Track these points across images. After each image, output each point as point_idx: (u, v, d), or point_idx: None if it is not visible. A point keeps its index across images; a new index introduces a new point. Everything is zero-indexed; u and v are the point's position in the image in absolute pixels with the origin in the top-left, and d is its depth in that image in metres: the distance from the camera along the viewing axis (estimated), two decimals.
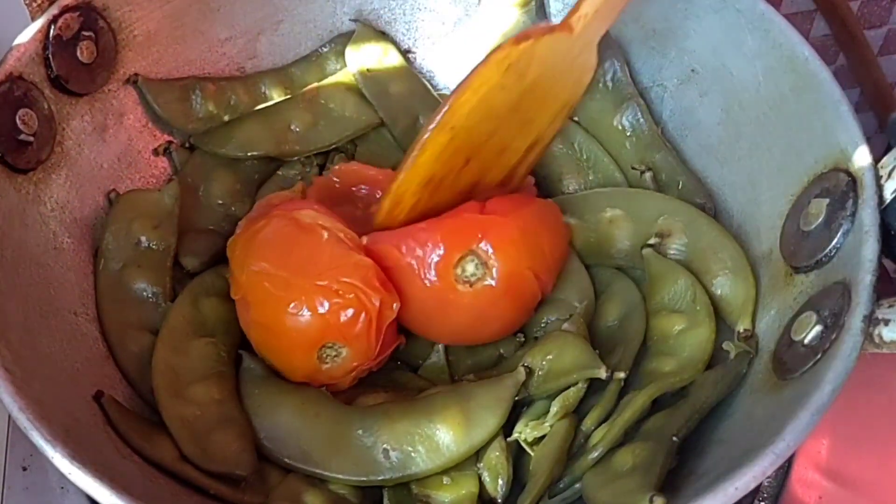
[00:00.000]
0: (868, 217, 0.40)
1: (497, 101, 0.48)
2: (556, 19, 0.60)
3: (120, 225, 0.51)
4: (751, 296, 0.47)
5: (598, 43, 0.51)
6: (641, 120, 0.55)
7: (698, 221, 0.51)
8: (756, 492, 0.49)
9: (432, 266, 0.47)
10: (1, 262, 0.44)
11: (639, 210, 0.52)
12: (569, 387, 0.45)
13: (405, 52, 0.62)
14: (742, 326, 0.46)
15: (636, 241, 0.51)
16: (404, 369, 0.52)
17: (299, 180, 0.57)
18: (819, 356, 0.39)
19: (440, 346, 0.51)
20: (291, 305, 0.46)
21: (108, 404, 0.43)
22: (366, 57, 0.60)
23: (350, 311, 0.46)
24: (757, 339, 0.46)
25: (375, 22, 0.62)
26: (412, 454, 0.45)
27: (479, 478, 0.45)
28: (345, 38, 0.61)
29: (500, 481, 0.44)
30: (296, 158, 0.58)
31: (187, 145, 0.58)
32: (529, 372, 0.46)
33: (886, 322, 0.38)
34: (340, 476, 0.45)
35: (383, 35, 0.61)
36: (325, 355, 0.47)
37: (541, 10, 0.59)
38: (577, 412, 0.46)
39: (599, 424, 0.45)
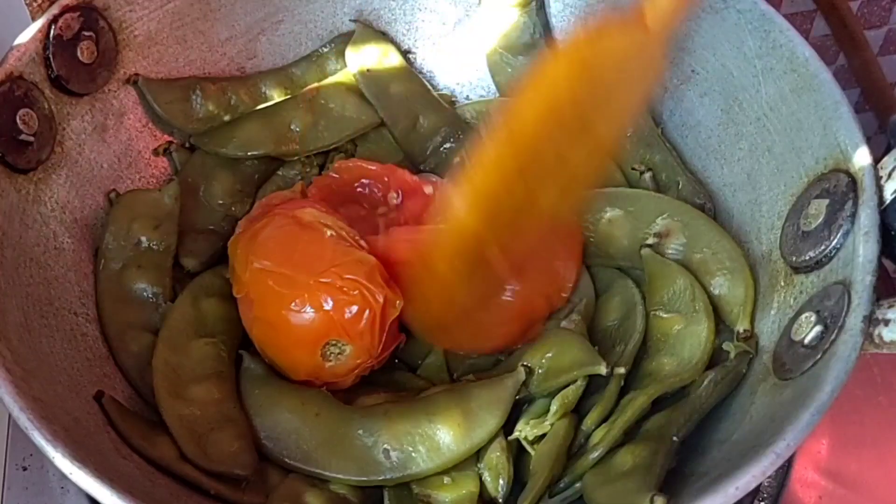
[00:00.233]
0: (868, 218, 0.40)
1: (560, 102, 0.42)
2: (556, 20, 0.60)
3: (120, 225, 0.51)
4: (749, 296, 0.47)
5: (666, 41, 0.44)
6: (641, 120, 0.55)
7: (697, 222, 0.51)
8: (756, 492, 0.49)
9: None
10: (1, 262, 0.44)
11: (638, 210, 0.52)
12: (569, 384, 0.45)
13: (405, 53, 0.62)
14: (741, 327, 0.46)
15: (635, 241, 0.52)
16: (403, 369, 0.52)
17: (299, 180, 0.57)
18: (819, 356, 0.39)
19: (439, 350, 0.51)
20: (295, 302, 0.46)
21: (108, 404, 0.43)
22: (366, 57, 0.60)
23: (354, 308, 0.46)
24: (756, 339, 0.46)
25: (376, 22, 0.62)
26: (413, 454, 0.45)
27: (480, 478, 0.45)
28: (345, 39, 0.61)
29: (501, 481, 0.44)
30: (296, 158, 0.58)
31: (187, 145, 0.58)
32: (529, 371, 0.46)
33: (886, 322, 0.38)
34: (341, 476, 0.45)
35: (383, 35, 0.61)
36: (328, 353, 0.47)
37: (541, 11, 0.59)
38: (578, 412, 0.46)
39: (600, 424, 0.45)
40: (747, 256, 0.49)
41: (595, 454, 0.43)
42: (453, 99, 0.63)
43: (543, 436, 0.45)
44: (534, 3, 0.59)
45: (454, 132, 0.58)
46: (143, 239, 0.51)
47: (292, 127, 0.58)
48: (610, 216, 0.52)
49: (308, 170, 0.58)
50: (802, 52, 0.47)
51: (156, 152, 0.57)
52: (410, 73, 0.61)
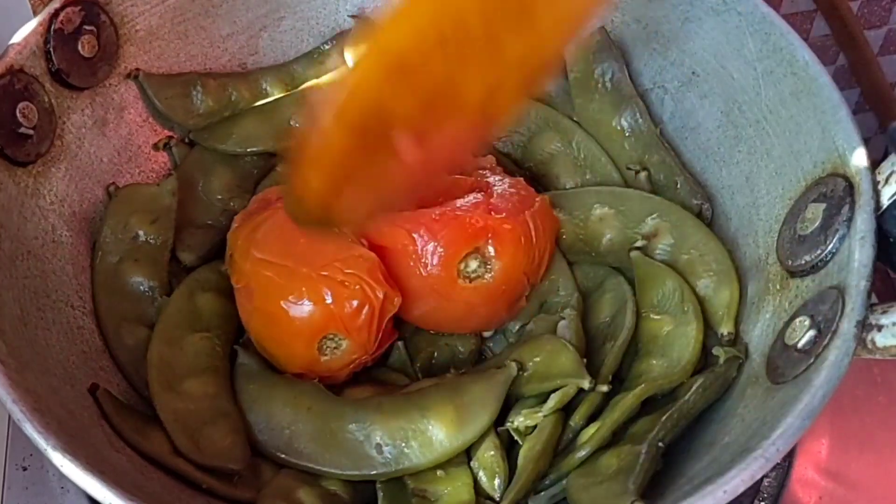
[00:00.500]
0: (864, 222, 0.40)
1: None
2: None
3: (118, 219, 0.52)
4: (734, 299, 0.47)
5: None
6: (640, 121, 0.55)
7: (686, 223, 0.51)
8: (756, 492, 0.49)
9: (437, 257, 0.47)
10: None
11: (628, 209, 0.52)
12: (552, 391, 0.45)
13: None
14: (725, 329, 0.46)
15: (623, 239, 0.52)
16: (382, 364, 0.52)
17: None
18: (812, 361, 0.39)
19: (400, 343, 0.51)
20: (295, 294, 0.46)
21: (102, 397, 0.43)
22: None
23: (355, 303, 0.46)
24: (746, 343, 0.46)
25: (377, 20, 0.62)
26: (405, 449, 0.45)
27: (475, 477, 0.45)
28: (347, 36, 0.61)
29: (497, 480, 0.44)
30: None
31: (187, 141, 0.58)
32: (519, 367, 0.46)
33: (879, 328, 0.38)
34: (333, 470, 0.45)
35: None
36: (325, 346, 0.47)
37: None
38: (565, 408, 0.46)
39: (587, 420, 0.45)
40: (737, 259, 0.49)
41: (582, 453, 0.43)
42: None
43: (535, 427, 0.45)
44: None
45: None
46: (141, 233, 0.52)
47: (292, 123, 0.58)
48: (599, 214, 0.52)
49: None
50: (802, 56, 0.47)
51: (155, 147, 0.57)
52: None
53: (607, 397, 0.45)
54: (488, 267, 0.48)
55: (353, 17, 0.61)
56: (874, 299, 0.39)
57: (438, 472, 0.45)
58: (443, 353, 0.52)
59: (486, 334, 0.53)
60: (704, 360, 0.47)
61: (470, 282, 0.48)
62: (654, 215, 0.51)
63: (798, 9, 0.76)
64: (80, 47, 0.51)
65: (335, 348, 0.47)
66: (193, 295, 0.50)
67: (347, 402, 0.47)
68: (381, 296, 0.46)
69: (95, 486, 0.36)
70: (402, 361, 0.51)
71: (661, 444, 0.42)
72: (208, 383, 0.47)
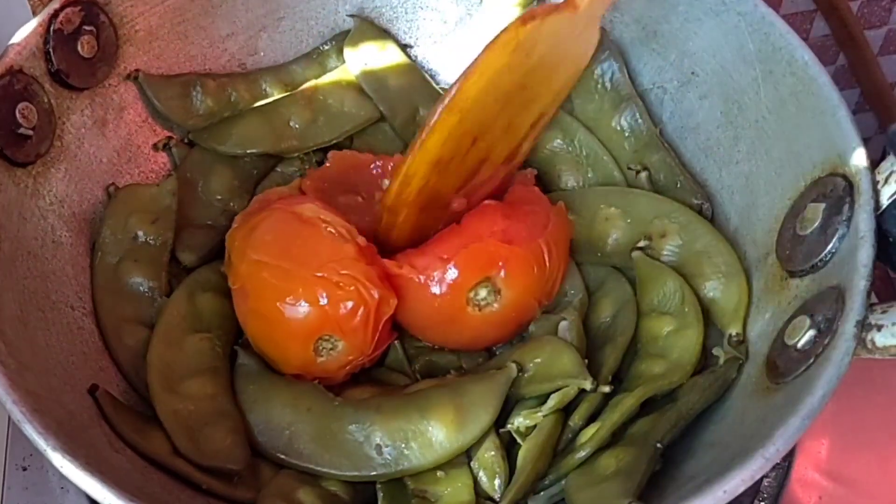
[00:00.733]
0: (864, 222, 0.40)
1: (504, 82, 0.47)
2: None
3: (117, 219, 0.52)
4: (743, 301, 0.47)
5: (599, 17, 0.51)
6: (640, 121, 0.55)
7: (694, 224, 0.51)
8: (756, 492, 0.49)
9: (447, 286, 0.48)
10: None
11: (635, 210, 0.52)
12: (552, 392, 0.45)
13: (404, 47, 0.62)
14: (734, 330, 0.46)
15: (630, 240, 0.52)
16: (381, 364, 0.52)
17: (298, 177, 0.57)
18: (811, 361, 0.39)
19: (397, 342, 0.51)
20: (290, 296, 0.46)
21: (102, 398, 0.43)
22: (364, 51, 0.60)
23: (349, 304, 0.46)
24: (747, 344, 0.46)
25: (377, 20, 0.62)
26: (405, 450, 0.45)
27: (475, 478, 0.45)
28: (346, 36, 0.61)
29: (498, 481, 0.44)
30: (295, 155, 0.58)
31: (187, 141, 0.58)
32: (520, 368, 0.46)
33: (879, 328, 0.38)
34: (333, 471, 0.45)
35: (382, 31, 0.62)
36: (320, 347, 0.47)
37: None
38: (565, 408, 0.46)
39: (587, 421, 0.45)
40: (743, 260, 0.49)
41: (582, 454, 0.43)
42: None
43: (535, 427, 0.45)
44: (535, 3, 0.59)
45: None
46: (140, 233, 0.52)
47: (291, 124, 0.58)
48: (606, 214, 0.53)
49: (307, 166, 0.58)
50: (802, 56, 0.47)
51: (155, 147, 0.57)
52: (409, 66, 0.61)
53: (606, 398, 0.45)
54: (498, 296, 0.48)
55: (352, 16, 0.61)
56: (874, 299, 0.39)
57: (438, 473, 0.45)
58: (442, 359, 0.52)
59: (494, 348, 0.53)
60: (704, 361, 0.47)
61: (479, 310, 0.48)
62: (662, 216, 0.51)
63: (798, 9, 0.77)
64: (79, 48, 0.51)
65: (331, 349, 0.47)
66: (193, 295, 0.50)
67: (347, 402, 0.47)
68: (376, 297, 0.46)
69: (96, 486, 0.36)
70: (399, 361, 0.51)
71: (659, 444, 0.42)
72: (208, 384, 0.47)
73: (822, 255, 0.42)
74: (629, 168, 0.55)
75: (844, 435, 0.51)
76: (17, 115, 0.47)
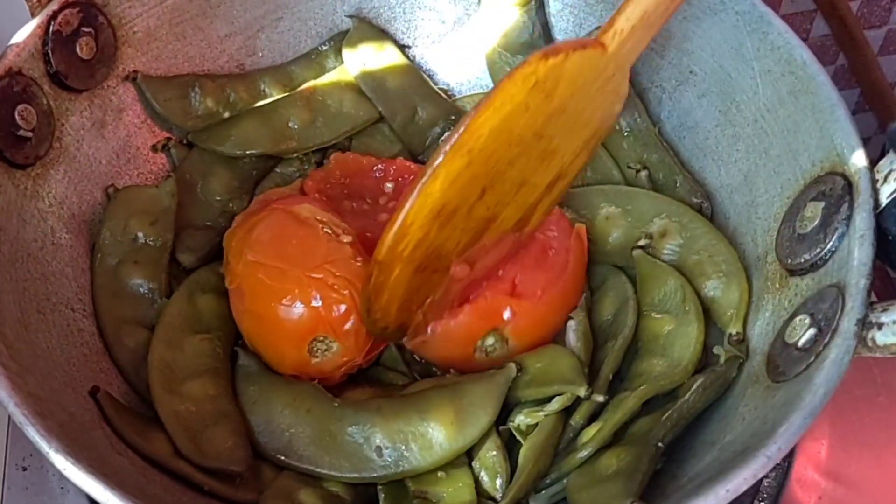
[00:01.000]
0: (863, 221, 0.40)
1: (520, 124, 0.41)
2: (555, 19, 0.60)
3: (117, 221, 0.52)
4: (744, 300, 0.47)
5: (629, 68, 0.45)
6: (639, 120, 0.56)
7: (695, 224, 0.51)
8: (756, 492, 0.49)
9: (455, 339, 0.48)
10: None
11: (636, 209, 0.52)
12: (549, 396, 0.46)
13: (403, 48, 0.62)
14: (734, 329, 0.46)
15: (630, 239, 0.52)
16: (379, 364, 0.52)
17: (297, 177, 0.57)
18: (812, 359, 0.39)
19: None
20: (285, 297, 0.46)
21: (103, 400, 0.43)
22: (363, 51, 0.60)
23: (343, 307, 0.46)
24: (747, 342, 0.46)
25: (375, 20, 0.62)
26: (405, 452, 0.45)
27: (477, 478, 0.45)
28: (344, 36, 0.61)
29: (499, 480, 0.45)
30: (294, 156, 0.58)
31: (186, 142, 0.58)
32: (519, 369, 0.46)
33: (879, 326, 0.38)
34: (333, 473, 0.45)
35: (380, 31, 0.62)
36: (315, 349, 0.47)
37: (540, 10, 0.59)
38: (566, 407, 0.46)
39: (588, 420, 0.45)
40: (743, 259, 0.49)
41: (583, 453, 0.43)
42: (452, 96, 0.63)
43: (536, 426, 0.45)
44: (533, 3, 0.59)
45: (453, 123, 0.59)
46: (140, 235, 0.52)
47: (290, 124, 0.58)
48: (606, 213, 0.53)
49: (306, 167, 0.58)
50: (800, 55, 0.47)
51: (154, 149, 0.57)
52: (408, 66, 0.61)
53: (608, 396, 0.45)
54: (507, 345, 0.48)
55: (350, 17, 0.61)
56: (874, 297, 0.39)
57: (439, 474, 0.45)
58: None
59: None
60: (705, 359, 0.47)
61: (486, 356, 0.49)
62: (663, 215, 0.51)
63: (798, 9, 0.77)
64: (78, 49, 0.51)
65: (325, 350, 0.47)
66: (193, 296, 0.50)
67: (347, 404, 0.47)
68: None
69: (98, 488, 0.36)
70: (395, 359, 0.51)
71: (660, 444, 0.42)
72: (209, 385, 0.47)
73: (822, 253, 0.42)
74: (629, 167, 0.55)
75: (844, 435, 0.52)
76: (17, 116, 0.47)
